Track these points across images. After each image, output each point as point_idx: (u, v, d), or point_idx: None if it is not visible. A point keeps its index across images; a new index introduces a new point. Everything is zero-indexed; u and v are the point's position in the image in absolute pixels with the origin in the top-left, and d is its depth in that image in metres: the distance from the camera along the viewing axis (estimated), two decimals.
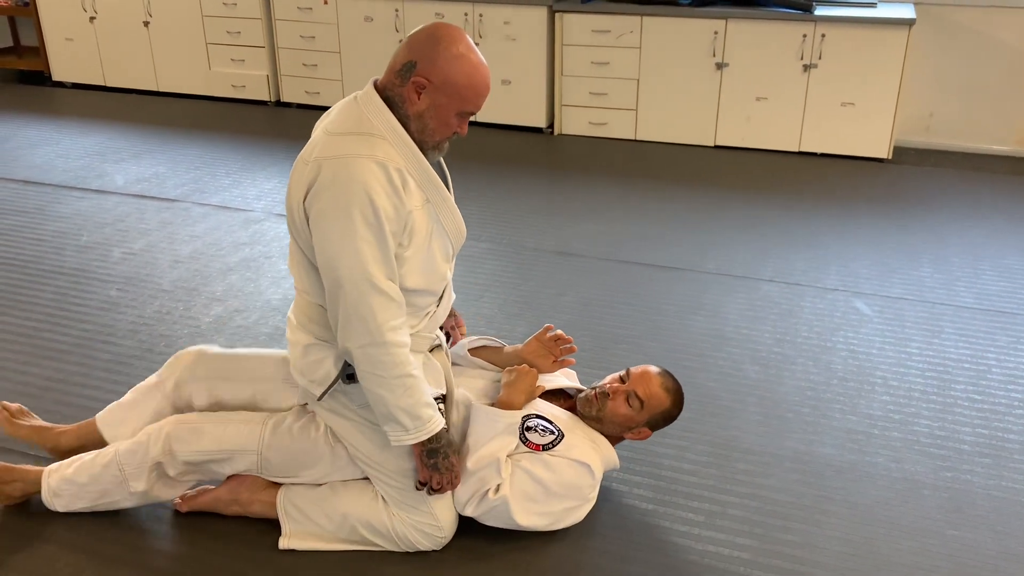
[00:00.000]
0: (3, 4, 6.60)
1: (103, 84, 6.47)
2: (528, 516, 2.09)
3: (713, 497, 2.33)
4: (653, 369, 2.23)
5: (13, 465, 2.22)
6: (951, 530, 2.22)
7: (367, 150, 1.85)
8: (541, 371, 2.31)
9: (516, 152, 5.16)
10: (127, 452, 2.16)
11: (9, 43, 7.12)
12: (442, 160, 2.06)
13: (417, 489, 2.04)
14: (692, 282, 3.55)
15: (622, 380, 2.22)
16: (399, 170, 1.87)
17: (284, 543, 2.10)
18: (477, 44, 2.03)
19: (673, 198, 4.45)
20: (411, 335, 2.02)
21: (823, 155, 5.12)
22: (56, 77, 6.57)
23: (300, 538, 2.10)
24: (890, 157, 5.02)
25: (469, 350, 2.39)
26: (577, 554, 2.12)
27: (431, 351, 2.16)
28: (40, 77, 6.73)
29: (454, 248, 2.08)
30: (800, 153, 5.15)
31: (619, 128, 5.42)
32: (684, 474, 2.42)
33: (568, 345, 2.31)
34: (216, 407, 2.21)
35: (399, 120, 1.90)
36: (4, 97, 6.28)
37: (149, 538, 2.14)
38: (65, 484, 2.17)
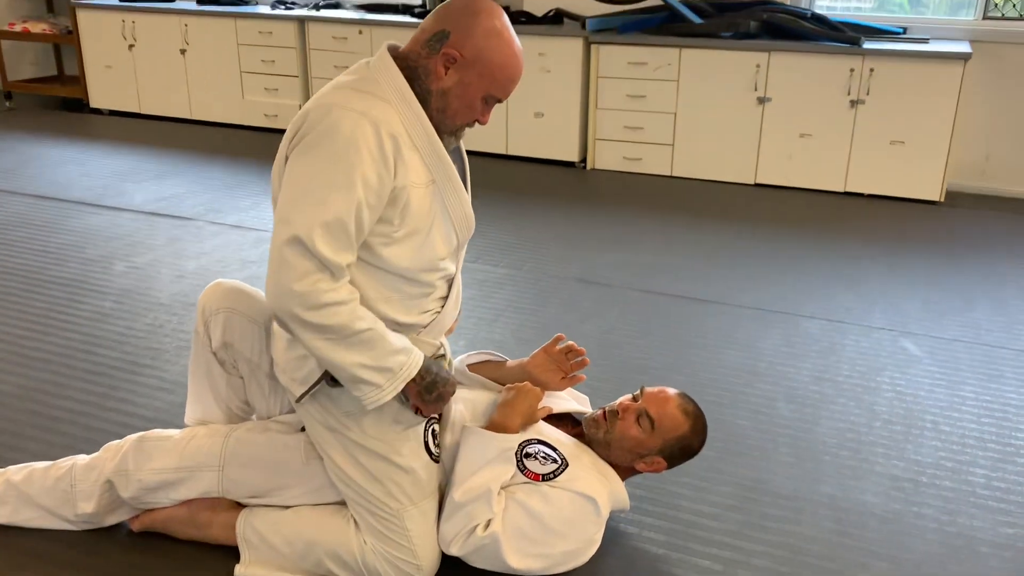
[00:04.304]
0: (48, 32, 6.66)
1: (138, 111, 6.46)
2: (522, 558, 1.81)
3: (735, 544, 2.04)
4: (671, 390, 1.97)
5: None
6: None
7: (362, 106, 1.63)
8: (548, 388, 2.06)
9: (546, 186, 4.96)
10: (83, 467, 1.97)
11: (54, 71, 7.20)
12: (462, 148, 1.85)
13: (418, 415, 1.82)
14: (725, 315, 3.28)
15: (635, 399, 1.96)
16: (393, 137, 1.63)
17: (240, 570, 1.85)
18: None
19: (708, 233, 4.20)
20: (412, 341, 1.79)
21: (870, 196, 4.84)
22: (94, 104, 6.59)
23: (259, 566, 1.85)
24: (942, 200, 4.73)
25: (468, 365, 2.15)
26: None
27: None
28: (80, 104, 6.76)
29: (459, 238, 1.83)
30: (846, 193, 4.88)
31: (654, 164, 5.20)
32: (704, 517, 2.14)
33: (580, 358, 2.06)
34: (227, 349, 1.94)
35: (418, 95, 1.69)
36: (41, 122, 6.28)
37: (96, 558, 1.92)
38: (11, 491, 1.97)
